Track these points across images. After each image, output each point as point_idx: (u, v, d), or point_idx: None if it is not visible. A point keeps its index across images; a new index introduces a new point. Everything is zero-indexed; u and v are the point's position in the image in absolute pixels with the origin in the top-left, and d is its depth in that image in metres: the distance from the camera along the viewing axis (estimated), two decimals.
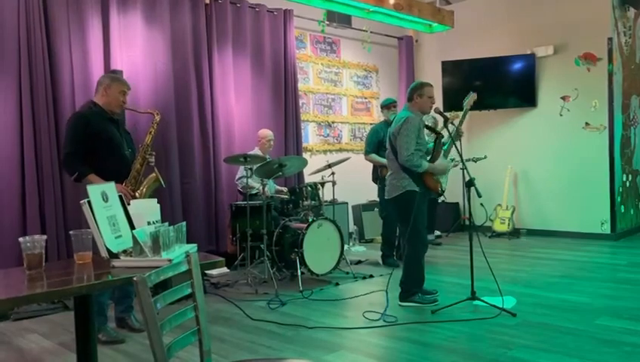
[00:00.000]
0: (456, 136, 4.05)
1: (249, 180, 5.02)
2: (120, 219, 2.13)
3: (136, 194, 3.42)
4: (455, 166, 4.70)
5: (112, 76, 3.63)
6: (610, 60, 6.38)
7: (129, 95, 3.60)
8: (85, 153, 3.33)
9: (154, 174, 3.53)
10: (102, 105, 3.46)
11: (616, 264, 5.26)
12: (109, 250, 1.99)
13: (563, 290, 4.29)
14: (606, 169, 6.43)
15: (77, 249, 2.01)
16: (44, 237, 1.92)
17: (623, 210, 6.64)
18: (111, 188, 2.16)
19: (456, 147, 3.96)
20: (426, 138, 4.14)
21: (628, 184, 6.80)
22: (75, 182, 3.38)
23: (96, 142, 3.35)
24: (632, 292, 4.18)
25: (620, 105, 6.56)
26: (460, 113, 4.30)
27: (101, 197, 2.07)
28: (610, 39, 6.37)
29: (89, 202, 2.00)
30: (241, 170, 5.26)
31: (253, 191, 5.07)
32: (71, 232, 2.01)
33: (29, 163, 4.26)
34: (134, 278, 1.46)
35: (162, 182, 3.56)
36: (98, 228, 1.99)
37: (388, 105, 5.56)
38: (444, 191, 4.12)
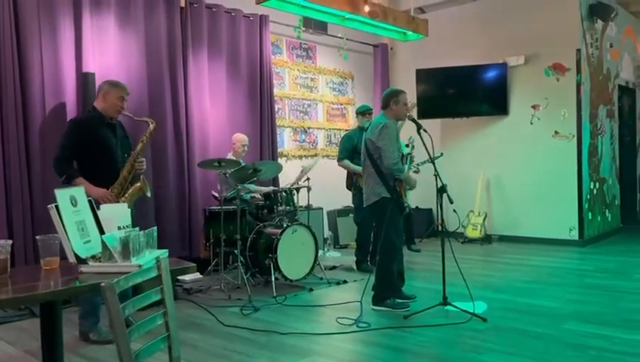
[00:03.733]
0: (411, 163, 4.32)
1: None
2: (89, 224, 2.10)
3: (121, 200, 3.53)
4: (416, 172, 4.88)
5: (112, 82, 3.73)
6: (579, 71, 6.56)
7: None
8: (80, 157, 3.49)
9: (139, 184, 3.63)
10: (100, 110, 3.59)
11: (584, 269, 5.39)
12: (77, 256, 1.95)
13: (532, 295, 4.37)
14: (574, 176, 6.59)
15: (44, 254, 1.97)
16: (10, 242, 1.88)
17: (590, 217, 6.81)
18: (80, 192, 2.13)
19: (433, 164, 4.01)
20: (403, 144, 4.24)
21: (595, 191, 6.97)
22: (63, 183, 3.46)
23: (92, 148, 3.49)
24: (598, 297, 4.29)
25: (587, 114, 6.74)
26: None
27: (70, 202, 2.03)
28: (578, 50, 6.54)
29: (57, 206, 1.97)
30: (223, 183, 5.12)
31: (245, 196, 5.02)
32: (37, 237, 1.98)
33: None
34: (102, 284, 1.44)
35: (147, 193, 3.67)
36: (66, 233, 1.96)
37: (364, 112, 5.60)
38: (408, 206, 4.21)
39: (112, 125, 3.64)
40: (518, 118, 6.98)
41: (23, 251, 4.21)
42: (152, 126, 3.80)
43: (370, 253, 5.46)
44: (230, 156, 5.30)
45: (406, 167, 4.16)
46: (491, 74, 7.04)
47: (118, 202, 3.46)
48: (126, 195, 3.55)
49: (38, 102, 4.41)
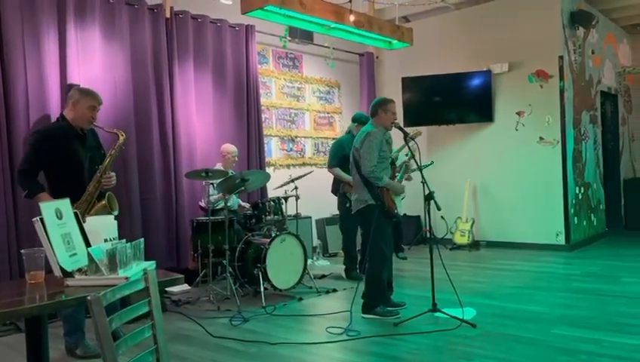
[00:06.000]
0: (406, 171, 4.17)
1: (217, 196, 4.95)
2: (75, 237, 2.07)
3: (86, 218, 3.29)
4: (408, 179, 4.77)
5: (83, 90, 3.52)
6: (562, 77, 6.64)
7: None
8: (45, 171, 3.31)
9: (104, 201, 3.38)
10: (69, 119, 3.39)
11: (571, 274, 5.43)
12: (63, 269, 1.93)
13: (521, 301, 4.39)
14: (560, 182, 6.66)
15: (29, 268, 1.95)
16: None
17: (576, 222, 6.87)
18: (66, 204, 2.10)
19: (421, 171, 4.02)
20: (394, 152, 4.22)
21: (580, 196, 7.05)
22: (25, 197, 3.34)
23: (58, 161, 3.30)
24: (586, 301, 4.32)
25: (571, 120, 6.82)
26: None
27: (55, 215, 2.01)
28: (561, 57, 6.64)
29: (42, 220, 1.94)
30: (210, 191, 5.09)
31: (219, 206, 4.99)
32: (22, 251, 1.95)
33: None
34: (88, 297, 1.42)
35: (114, 211, 3.38)
36: (51, 246, 1.93)
37: (365, 123, 5.43)
38: (399, 214, 4.17)
39: (81, 136, 3.43)
40: (503, 124, 7.05)
41: (8, 265, 4.15)
42: (122, 139, 3.56)
43: (360, 261, 5.46)
44: (219, 167, 5.28)
45: (397, 176, 4.16)
46: (476, 81, 7.11)
47: (84, 220, 3.29)
48: (92, 211, 3.29)
49: (22, 114, 4.35)
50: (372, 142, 3.94)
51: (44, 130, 3.44)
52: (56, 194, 3.19)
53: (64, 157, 3.31)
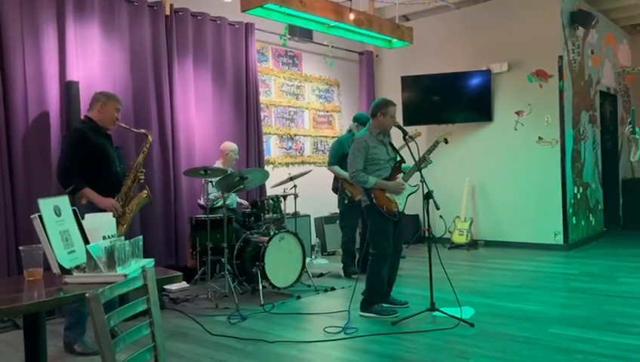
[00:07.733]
0: (422, 162, 4.13)
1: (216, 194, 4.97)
2: (73, 234, 2.07)
3: (126, 209, 3.64)
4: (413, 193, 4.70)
5: (108, 94, 3.78)
6: (561, 77, 6.65)
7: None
8: (83, 167, 3.49)
9: (145, 191, 3.79)
10: (96, 120, 3.62)
11: (569, 274, 5.43)
12: (61, 266, 1.93)
13: (519, 300, 4.40)
14: (558, 181, 6.66)
15: (27, 265, 1.95)
16: None
17: (574, 222, 6.88)
18: (64, 201, 2.10)
19: (420, 171, 4.02)
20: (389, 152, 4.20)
21: (579, 196, 7.06)
22: (69, 194, 3.38)
23: (92, 157, 3.51)
24: (583, 301, 4.33)
25: (570, 120, 6.83)
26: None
27: (53, 212, 2.01)
28: (560, 57, 6.64)
29: (40, 216, 1.94)
30: (209, 188, 5.10)
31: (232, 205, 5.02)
32: (21, 248, 1.96)
33: None
34: (86, 295, 1.42)
35: (151, 199, 3.89)
36: (50, 243, 1.93)
37: (365, 123, 5.49)
38: (400, 213, 4.13)
39: (108, 136, 3.70)
40: (503, 124, 7.05)
41: (6, 262, 4.15)
42: (150, 138, 3.94)
43: (358, 259, 5.46)
44: (218, 164, 5.28)
45: (399, 176, 4.13)
46: (475, 81, 7.11)
47: (124, 212, 3.59)
48: (132, 204, 3.67)
49: (21, 111, 4.35)
50: (355, 148, 4.07)
51: (77, 128, 3.64)
52: (96, 190, 3.47)
53: (100, 154, 3.54)
